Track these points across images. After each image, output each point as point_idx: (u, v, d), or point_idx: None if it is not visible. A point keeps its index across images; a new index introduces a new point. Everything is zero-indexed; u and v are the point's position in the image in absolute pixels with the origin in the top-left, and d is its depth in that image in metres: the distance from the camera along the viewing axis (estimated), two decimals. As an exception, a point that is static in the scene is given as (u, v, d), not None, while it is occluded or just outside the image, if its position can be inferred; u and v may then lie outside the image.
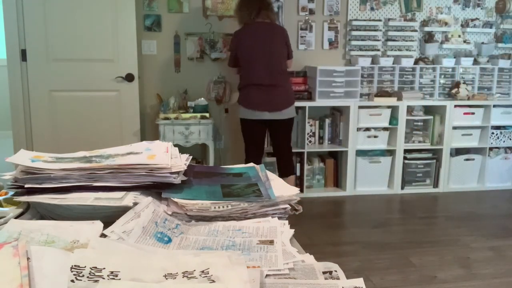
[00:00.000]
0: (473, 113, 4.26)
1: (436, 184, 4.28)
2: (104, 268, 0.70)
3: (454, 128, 4.22)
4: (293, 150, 3.76)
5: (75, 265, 0.69)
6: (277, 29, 3.39)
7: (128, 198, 1.00)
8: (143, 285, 0.68)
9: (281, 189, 1.13)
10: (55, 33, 3.45)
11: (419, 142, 4.24)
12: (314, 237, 3.19)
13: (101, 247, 0.79)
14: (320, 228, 3.38)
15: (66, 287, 0.65)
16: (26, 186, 1.03)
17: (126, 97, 3.60)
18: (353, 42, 4.27)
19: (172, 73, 4.06)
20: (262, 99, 3.31)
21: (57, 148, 3.45)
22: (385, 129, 4.15)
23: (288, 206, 1.08)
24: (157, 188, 1.08)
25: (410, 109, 4.20)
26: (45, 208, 1.00)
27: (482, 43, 4.46)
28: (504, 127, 4.32)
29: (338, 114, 4.16)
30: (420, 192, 4.25)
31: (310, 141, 4.14)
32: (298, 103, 3.91)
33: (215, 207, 1.03)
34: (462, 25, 4.44)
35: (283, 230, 0.98)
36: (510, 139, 4.32)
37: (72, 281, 0.66)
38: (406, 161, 4.21)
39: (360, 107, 4.06)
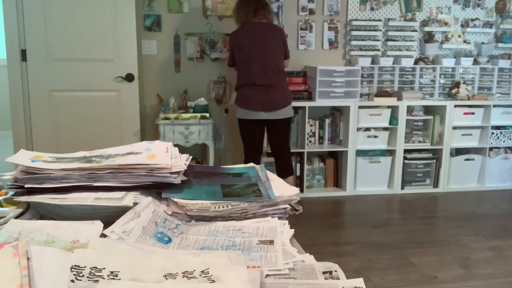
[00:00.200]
0: (473, 113, 4.26)
1: (436, 184, 4.28)
2: (104, 268, 0.70)
3: (454, 128, 4.22)
4: (293, 150, 3.76)
5: (75, 265, 0.69)
6: (274, 29, 3.39)
7: (128, 198, 1.00)
8: (143, 285, 0.68)
9: (281, 189, 1.13)
10: (55, 33, 3.45)
11: (419, 142, 4.24)
12: (314, 237, 3.19)
13: (101, 247, 0.79)
14: (320, 228, 3.38)
15: (66, 287, 0.65)
16: (26, 186, 1.03)
17: (126, 97, 3.60)
18: (353, 42, 4.27)
19: (172, 73, 4.06)
20: (258, 99, 3.30)
21: (57, 148, 3.45)
22: (385, 129, 4.15)
23: (288, 206, 1.08)
24: (157, 188, 1.08)
25: (410, 109, 4.20)
26: (45, 208, 1.00)
27: (482, 43, 4.46)
28: (504, 127, 4.32)
29: (338, 114, 4.16)
30: (420, 192, 4.24)
31: (310, 141, 4.14)
32: (298, 103, 3.91)
33: (215, 207, 1.03)
34: (462, 25, 4.44)
35: (283, 230, 0.98)
36: (510, 139, 4.32)
37: (72, 281, 0.66)
38: (406, 161, 4.21)
39: (360, 107, 4.06)
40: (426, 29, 4.33)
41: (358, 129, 4.08)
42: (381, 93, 4.13)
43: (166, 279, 0.70)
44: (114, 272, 0.69)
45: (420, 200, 4.07)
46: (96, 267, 0.70)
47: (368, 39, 4.29)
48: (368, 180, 4.16)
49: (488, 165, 4.32)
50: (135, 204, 0.98)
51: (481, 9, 4.46)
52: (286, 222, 1.03)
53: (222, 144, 4.21)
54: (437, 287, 2.54)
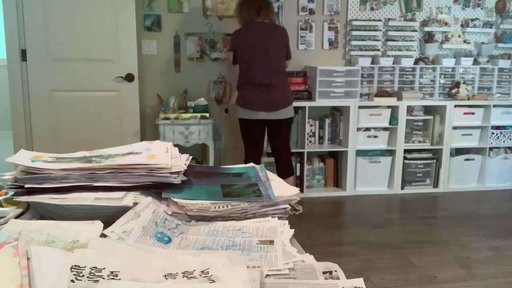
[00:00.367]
0: (473, 113, 4.26)
1: (436, 184, 4.28)
2: (104, 268, 0.70)
3: (454, 128, 4.22)
4: (293, 150, 3.75)
5: (75, 265, 0.69)
6: (276, 29, 3.39)
7: (128, 198, 1.00)
8: (143, 285, 0.68)
9: (281, 189, 1.13)
10: (55, 33, 3.44)
11: (419, 142, 4.24)
12: (314, 237, 3.19)
13: (101, 247, 0.79)
14: (320, 228, 3.38)
15: (66, 287, 0.65)
16: (26, 186, 1.03)
17: (126, 97, 3.60)
18: (353, 42, 4.27)
19: (172, 73, 4.06)
20: (259, 99, 3.31)
21: (57, 148, 3.45)
22: (385, 129, 4.15)
23: (288, 206, 1.08)
24: (157, 188, 1.08)
25: (410, 109, 4.20)
26: (45, 208, 1.00)
27: (482, 43, 4.46)
28: (504, 127, 4.32)
29: (338, 114, 4.16)
30: (420, 192, 4.24)
31: (310, 141, 4.14)
32: (298, 103, 3.91)
33: (215, 207, 1.03)
34: (462, 25, 4.44)
35: (283, 230, 0.98)
36: (510, 139, 4.32)
37: (72, 281, 0.66)
38: (406, 161, 4.21)
39: (360, 107, 4.06)
40: (426, 29, 4.33)
41: (358, 129, 4.08)
42: (381, 93, 4.13)
43: (166, 279, 0.70)
44: (114, 272, 0.69)
45: (420, 200, 4.07)
46: (96, 267, 0.70)
47: (368, 39, 4.29)
48: (368, 180, 4.16)
49: (488, 165, 4.32)
50: (135, 204, 0.98)
51: (481, 9, 4.46)
52: (286, 222, 1.03)
53: (222, 144, 4.21)
54: (437, 287, 2.54)
